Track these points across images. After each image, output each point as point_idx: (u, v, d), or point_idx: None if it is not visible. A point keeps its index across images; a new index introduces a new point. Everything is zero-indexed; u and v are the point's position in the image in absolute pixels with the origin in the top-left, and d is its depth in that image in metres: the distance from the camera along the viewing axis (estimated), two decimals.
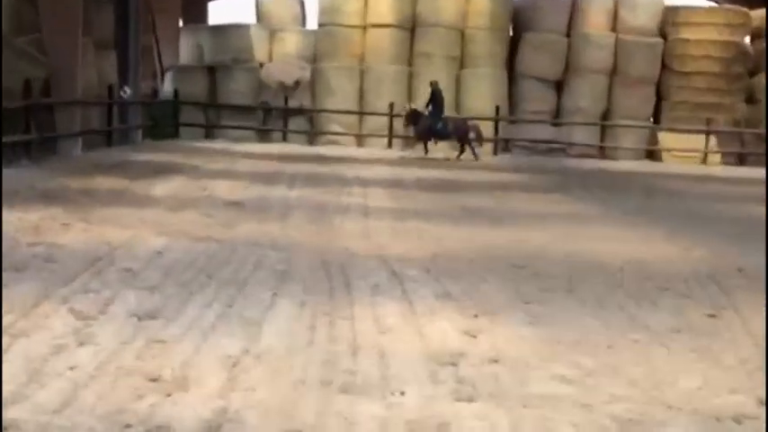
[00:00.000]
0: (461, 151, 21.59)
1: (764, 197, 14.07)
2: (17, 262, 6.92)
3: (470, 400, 4.29)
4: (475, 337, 5.42)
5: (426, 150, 21.51)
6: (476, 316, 5.93)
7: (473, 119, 23.50)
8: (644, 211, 13.01)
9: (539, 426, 3.99)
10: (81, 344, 4.88)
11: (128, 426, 3.74)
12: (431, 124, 21.17)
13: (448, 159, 21.23)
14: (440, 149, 22.15)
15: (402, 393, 4.33)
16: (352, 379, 4.52)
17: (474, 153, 21.55)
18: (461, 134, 21.52)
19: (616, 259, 8.41)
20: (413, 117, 21.46)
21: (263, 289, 6.44)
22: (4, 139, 14.39)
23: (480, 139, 21.88)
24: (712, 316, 6.31)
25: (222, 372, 4.51)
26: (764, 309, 6.43)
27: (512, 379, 4.64)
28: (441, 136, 21.47)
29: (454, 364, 4.82)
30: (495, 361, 4.93)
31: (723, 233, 10.75)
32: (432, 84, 21.72)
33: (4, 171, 13.40)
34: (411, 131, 22.17)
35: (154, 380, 4.34)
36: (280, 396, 4.21)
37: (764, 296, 6.83)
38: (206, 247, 8.06)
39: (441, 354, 4.99)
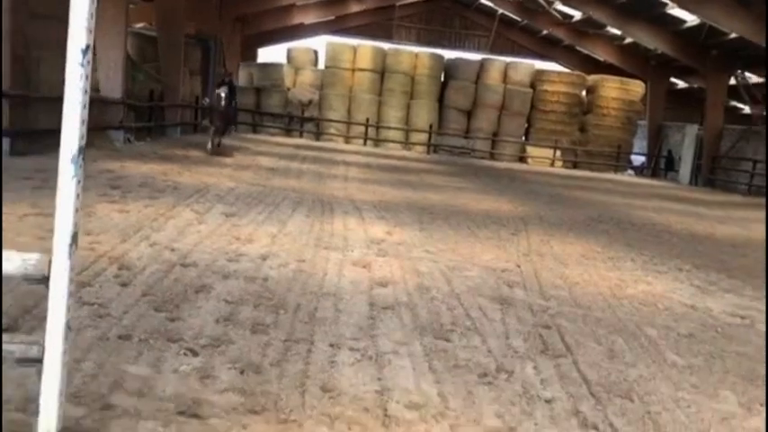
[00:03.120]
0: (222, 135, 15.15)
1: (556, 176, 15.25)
2: (158, 188, 8.12)
3: (383, 256, 5.77)
4: (392, 234, 6.84)
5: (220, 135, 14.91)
6: (395, 226, 7.33)
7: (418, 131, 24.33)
8: (505, 188, 13.92)
9: (412, 266, 5.47)
10: (200, 223, 6.29)
11: (226, 253, 5.21)
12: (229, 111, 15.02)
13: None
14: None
15: (352, 251, 5.85)
16: (330, 245, 5.97)
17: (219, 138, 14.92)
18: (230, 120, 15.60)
19: (475, 209, 9.69)
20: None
21: (287, 208, 7.77)
22: (137, 124, 15.28)
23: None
24: (513, 234, 7.70)
25: (268, 238, 5.95)
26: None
27: (405, 250, 6.10)
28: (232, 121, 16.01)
29: (379, 243, 6.28)
30: (400, 244, 6.38)
31: (542, 200, 11.89)
32: (228, 75, 16.92)
33: (138, 144, 14.46)
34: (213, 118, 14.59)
35: (237, 238, 5.78)
36: (295, 248, 5.67)
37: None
38: (257, 188, 9.28)
39: (373, 239, 6.44)
